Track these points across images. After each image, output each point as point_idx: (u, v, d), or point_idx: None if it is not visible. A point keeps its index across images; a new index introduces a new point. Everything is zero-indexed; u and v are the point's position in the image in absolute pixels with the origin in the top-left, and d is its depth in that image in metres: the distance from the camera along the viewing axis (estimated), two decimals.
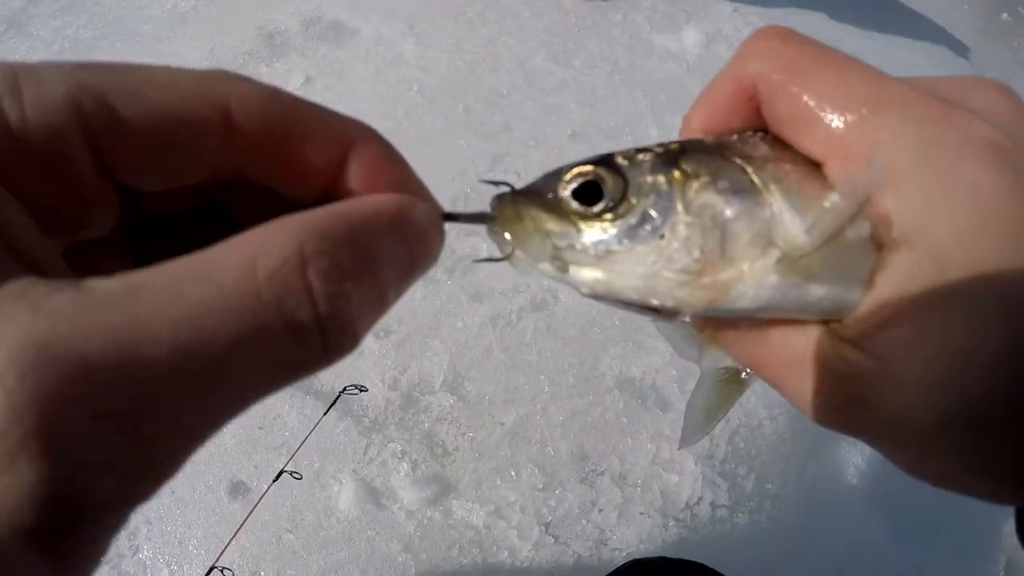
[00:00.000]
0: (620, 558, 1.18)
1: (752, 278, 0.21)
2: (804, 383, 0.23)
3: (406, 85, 1.58)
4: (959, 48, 2.08)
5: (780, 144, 0.23)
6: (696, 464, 1.22)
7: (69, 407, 0.13)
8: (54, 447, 0.13)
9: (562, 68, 1.62)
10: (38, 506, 0.13)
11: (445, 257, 1.31)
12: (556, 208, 0.22)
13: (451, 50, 1.66)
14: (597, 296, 0.23)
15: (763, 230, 0.21)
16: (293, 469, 0.96)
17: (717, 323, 0.25)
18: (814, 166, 0.22)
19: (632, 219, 0.22)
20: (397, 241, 0.19)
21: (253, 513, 1.26)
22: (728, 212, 0.21)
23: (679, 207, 0.21)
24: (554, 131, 1.47)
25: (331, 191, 0.21)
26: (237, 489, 1.27)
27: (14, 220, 0.16)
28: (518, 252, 0.23)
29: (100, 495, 0.14)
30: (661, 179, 0.22)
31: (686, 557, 1.00)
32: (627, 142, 1.51)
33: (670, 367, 1.25)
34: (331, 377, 1.25)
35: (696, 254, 0.21)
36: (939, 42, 2.07)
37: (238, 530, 0.99)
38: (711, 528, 1.23)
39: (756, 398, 1.30)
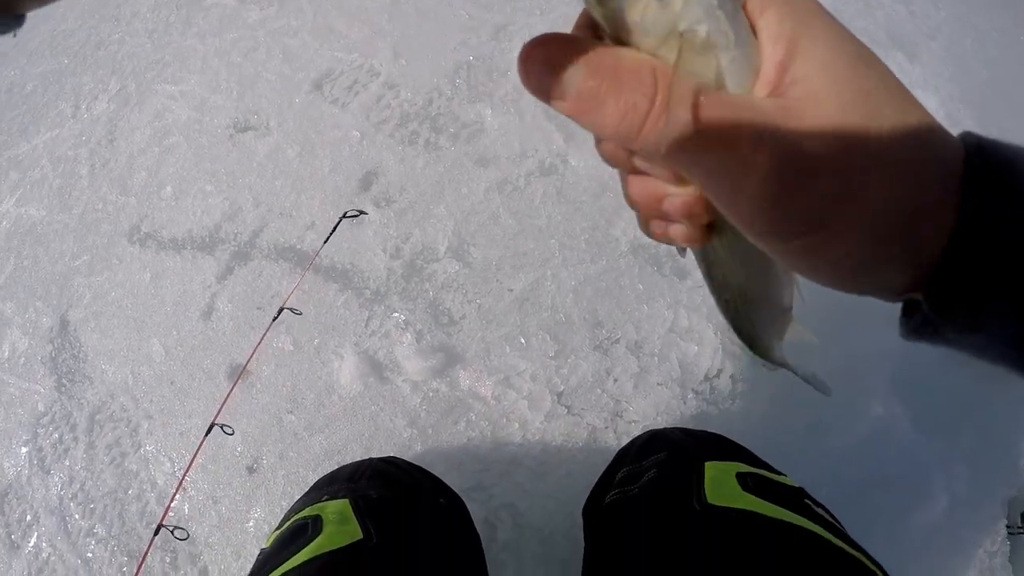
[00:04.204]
0: (636, 430, 1.12)
1: None
2: (728, 151, 0.26)
3: None
4: None
5: None
6: (716, 335, 1.15)
7: None
8: None
9: None
10: None
11: (448, 123, 1.24)
12: None
13: None
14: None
15: None
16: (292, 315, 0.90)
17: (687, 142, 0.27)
18: None
19: None
20: None
21: (254, 396, 1.21)
22: None
23: None
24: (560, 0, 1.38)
25: None
26: (236, 373, 1.22)
27: None
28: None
29: None
30: None
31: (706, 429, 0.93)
32: None
33: None
34: (330, 250, 1.19)
35: None
36: None
37: (242, 372, 0.94)
38: (731, 403, 1.17)
39: None
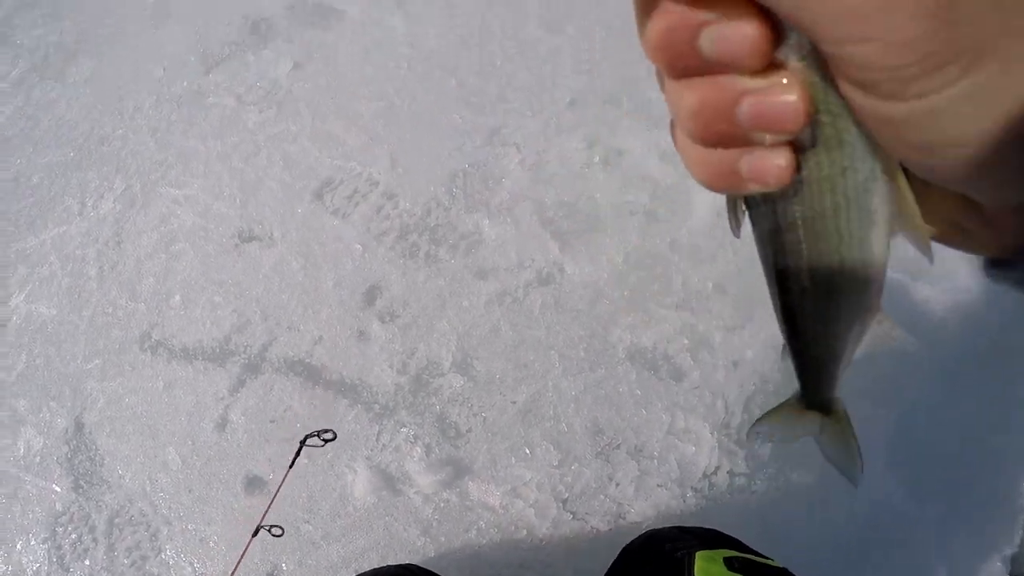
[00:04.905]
0: (638, 530, 1.16)
1: None
2: None
3: (396, 63, 1.54)
4: None
5: None
6: (712, 434, 1.20)
7: None
8: None
9: (555, 35, 1.57)
10: None
11: (447, 234, 1.29)
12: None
13: (440, 24, 1.61)
14: None
15: None
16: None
17: None
18: None
19: None
20: None
21: (272, 506, 1.26)
22: None
23: None
24: (551, 99, 1.43)
25: None
26: (253, 484, 1.27)
27: None
28: None
29: None
30: None
31: (704, 526, 0.98)
32: (627, 108, 1.47)
33: (681, 336, 1.22)
34: (338, 364, 1.24)
35: None
36: None
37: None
38: (729, 497, 1.21)
39: (771, 363, 1.27)
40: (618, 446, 1.16)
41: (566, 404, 1.16)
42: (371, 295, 1.26)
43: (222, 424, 1.30)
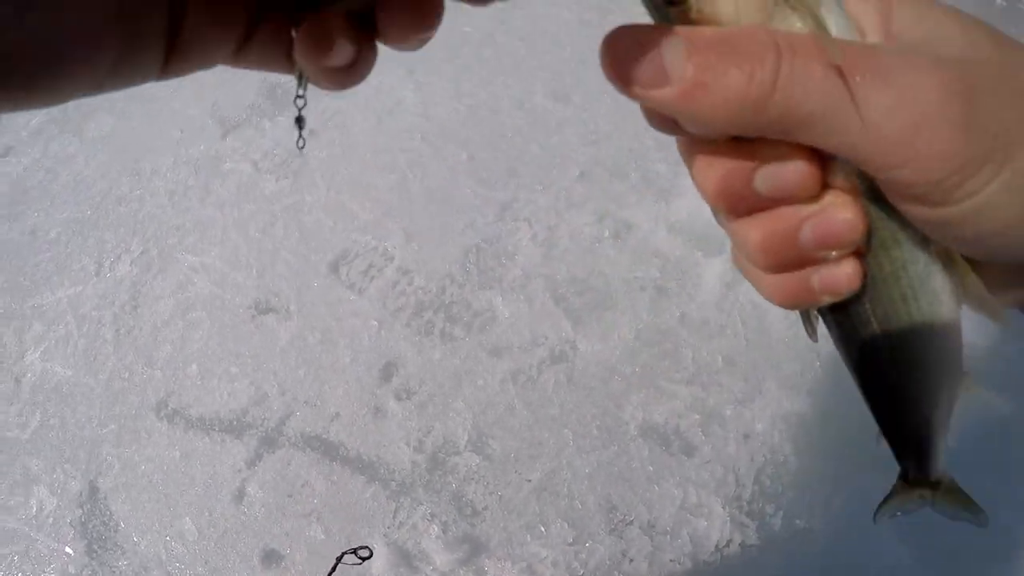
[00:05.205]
0: None
1: None
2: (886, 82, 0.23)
3: (408, 134, 1.58)
4: None
5: None
6: (724, 507, 1.22)
7: None
8: None
9: (562, 105, 1.62)
10: None
11: (461, 312, 1.32)
12: None
13: (450, 94, 1.66)
14: None
15: None
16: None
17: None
18: None
19: None
20: None
21: None
22: None
23: None
24: (560, 173, 1.47)
25: None
26: (270, 557, 1.29)
27: None
28: None
29: None
30: None
31: None
32: (634, 180, 1.51)
33: (692, 411, 1.25)
34: (356, 441, 1.26)
35: None
36: None
37: None
38: (742, 569, 1.23)
39: (780, 434, 1.30)
40: (631, 522, 1.19)
41: (580, 481, 1.19)
42: (387, 372, 1.29)
43: (239, 496, 1.31)
